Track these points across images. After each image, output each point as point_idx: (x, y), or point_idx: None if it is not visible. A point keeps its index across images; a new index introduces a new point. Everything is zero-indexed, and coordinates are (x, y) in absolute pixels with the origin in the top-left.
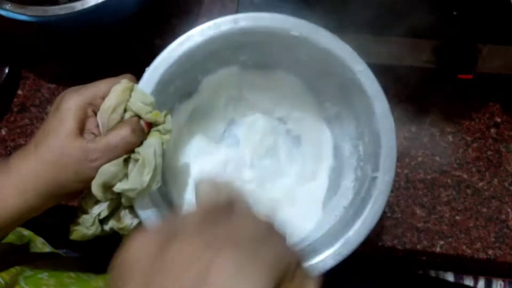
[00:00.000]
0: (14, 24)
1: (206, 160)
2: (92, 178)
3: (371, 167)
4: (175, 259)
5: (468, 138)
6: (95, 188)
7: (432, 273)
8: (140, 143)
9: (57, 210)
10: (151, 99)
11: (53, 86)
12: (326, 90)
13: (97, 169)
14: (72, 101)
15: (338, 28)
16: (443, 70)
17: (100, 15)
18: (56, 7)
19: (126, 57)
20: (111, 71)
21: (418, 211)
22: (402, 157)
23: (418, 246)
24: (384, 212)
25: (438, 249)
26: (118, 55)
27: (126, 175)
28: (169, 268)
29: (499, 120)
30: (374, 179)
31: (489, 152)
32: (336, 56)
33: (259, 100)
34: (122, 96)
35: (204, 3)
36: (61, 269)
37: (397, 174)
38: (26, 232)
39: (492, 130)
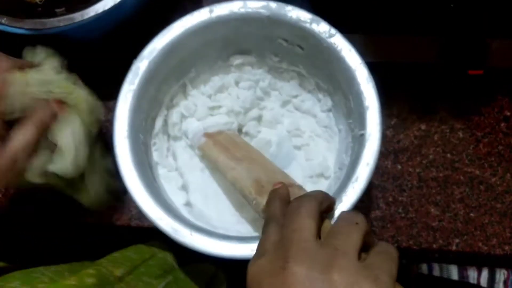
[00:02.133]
0: (10, 37)
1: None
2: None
3: (359, 129)
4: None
5: (479, 134)
6: (33, 178)
7: (436, 266)
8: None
9: None
10: (51, 76)
11: None
12: (314, 75)
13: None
14: None
15: (343, 27)
16: (453, 67)
17: (100, 24)
18: (55, 19)
19: (128, 64)
20: (113, 78)
21: (432, 210)
22: (413, 155)
23: (434, 245)
24: (398, 213)
25: (454, 247)
26: (118, 62)
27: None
28: None
29: (508, 114)
30: (361, 137)
31: (500, 147)
32: (310, 30)
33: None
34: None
35: None
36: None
37: (409, 174)
38: None
39: (502, 124)
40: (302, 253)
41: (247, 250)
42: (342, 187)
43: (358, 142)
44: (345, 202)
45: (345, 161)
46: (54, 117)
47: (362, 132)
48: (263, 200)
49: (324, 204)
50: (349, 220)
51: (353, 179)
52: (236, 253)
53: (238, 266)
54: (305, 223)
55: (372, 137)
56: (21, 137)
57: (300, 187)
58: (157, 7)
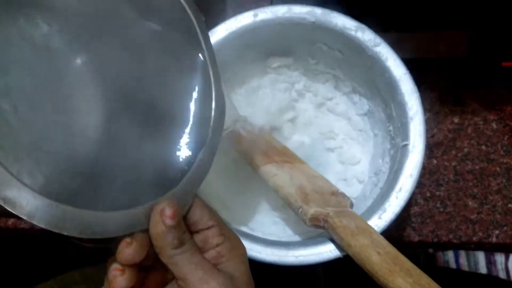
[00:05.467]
0: None
1: None
2: None
3: (401, 138)
4: None
5: None
6: None
7: (462, 253)
8: None
9: None
10: None
11: None
12: (351, 79)
13: None
14: None
15: (374, 25)
16: (486, 60)
17: None
18: None
19: None
20: None
21: (470, 203)
22: (448, 149)
23: (474, 238)
24: (436, 208)
25: (494, 239)
26: None
27: None
28: None
29: None
30: (404, 147)
31: None
32: (354, 38)
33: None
34: None
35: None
36: None
37: (445, 168)
38: None
39: None
40: None
41: (291, 257)
42: (385, 196)
43: (401, 152)
44: (389, 212)
45: (382, 167)
46: None
47: (405, 143)
48: (309, 209)
49: None
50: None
51: (397, 189)
52: (280, 259)
53: None
54: None
55: (416, 149)
56: None
57: (344, 195)
58: None
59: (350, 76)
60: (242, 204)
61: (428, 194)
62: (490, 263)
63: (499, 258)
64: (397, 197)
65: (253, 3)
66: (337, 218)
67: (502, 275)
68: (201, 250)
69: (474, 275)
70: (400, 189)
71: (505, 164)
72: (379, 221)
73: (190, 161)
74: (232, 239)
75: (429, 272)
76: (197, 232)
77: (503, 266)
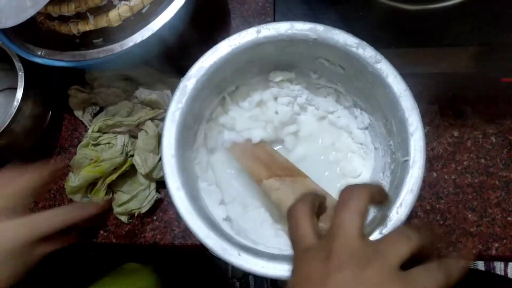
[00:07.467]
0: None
1: None
2: None
3: (402, 154)
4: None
5: (511, 138)
6: None
7: None
8: None
9: None
10: None
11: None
12: (352, 94)
13: None
14: None
15: (378, 42)
16: (486, 76)
17: (138, 53)
18: (94, 51)
19: None
20: None
21: (469, 216)
22: (447, 163)
23: (474, 251)
24: (436, 220)
25: (494, 252)
26: None
27: None
28: None
29: None
30: (404, 162)
31: None
32: (355, 54)
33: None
34: None
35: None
36: None
37: (444, 181)
38: None
39: None
40: (345, 249)
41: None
42: (386, 210)
43: (401, 167)
44: (390, 227)
45: (383, 180)
46: None
47: (406, 158)
48: None
49: (377, 198)
50: (402, 231)
51: (397, 204)
52: (282, 273)
53: None
54: (352, 219)
55: (416, 165)
56: None
57: None
58: (193, 33)
59: (351, 90)
60: (244, 216)
61: (428, 207)
62: (489, 269)
63: (498, 265)
64: (397, 212)
65: (256, 18)
66: None
67: None
68: None
69: (471, 271)
70: (401, 204)
71: (504, 177)
72: (380, 236)
73: None
74: None
75: None
76: None
77: (502, 272)
